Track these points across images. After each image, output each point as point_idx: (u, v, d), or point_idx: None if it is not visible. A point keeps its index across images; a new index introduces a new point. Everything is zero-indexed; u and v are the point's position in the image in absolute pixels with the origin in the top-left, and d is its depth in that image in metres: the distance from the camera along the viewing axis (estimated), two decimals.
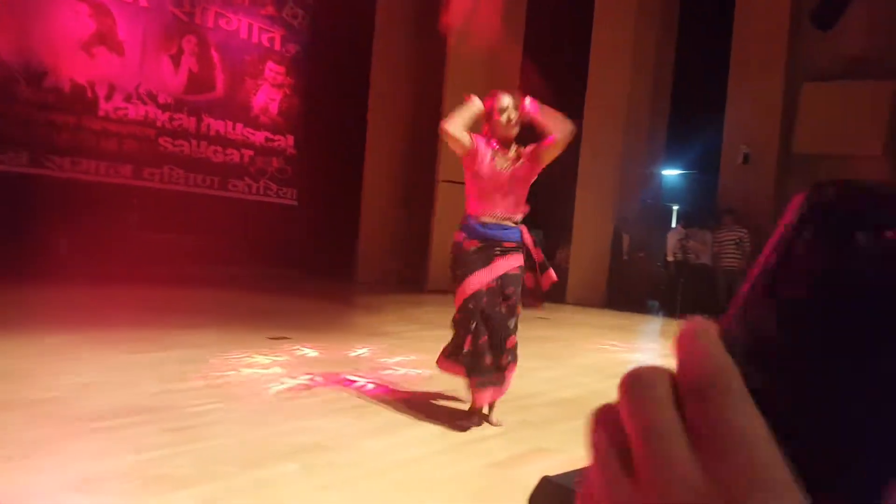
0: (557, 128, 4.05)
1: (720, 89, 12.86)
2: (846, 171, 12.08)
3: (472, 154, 4.09)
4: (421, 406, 4.42)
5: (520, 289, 4.16)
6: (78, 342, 5.50)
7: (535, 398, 4.93)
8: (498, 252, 4.08)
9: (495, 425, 4.21)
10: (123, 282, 9.66)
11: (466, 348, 4.04)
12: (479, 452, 3.65)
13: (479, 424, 4.16)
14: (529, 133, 4.22)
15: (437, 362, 4.26)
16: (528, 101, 4.08)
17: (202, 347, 5.73)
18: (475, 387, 4.07)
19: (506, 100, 4.08)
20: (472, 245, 4.09)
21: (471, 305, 4.03)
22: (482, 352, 4.02)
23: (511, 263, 4.10)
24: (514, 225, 4.14)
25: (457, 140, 4.05)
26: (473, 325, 4.03)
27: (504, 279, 4.08)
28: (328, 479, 3.06)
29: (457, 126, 4.05)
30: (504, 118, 4.05)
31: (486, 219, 4.09)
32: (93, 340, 5.61)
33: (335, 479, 3.07)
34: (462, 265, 4.10)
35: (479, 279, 4.04)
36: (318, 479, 3.04)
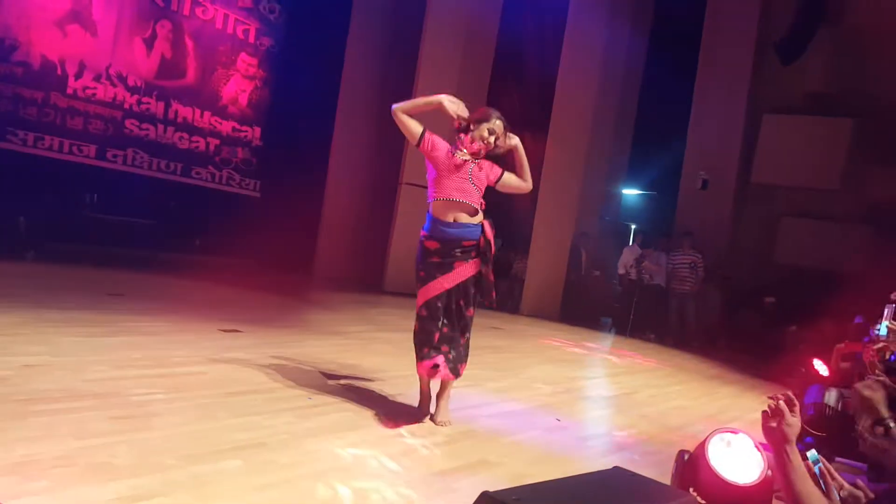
0: (524, 176, 4.36)
1: (684, 114, 13.12)
2: (802, 202, 12.41)
3: (427, 146, 4.27)
4: (367, 409, 4.45)
5: (472, 290, 4.35)
6: (29, 321, 5.45)
7: (482, 408, 4.99)
8: (458, 254, 4.25)
9: (439, 424, 4.33)
10: (79, 262, 9.57)
11: (436, 339, 4.27)
12: (421, 461, 3.70)
13: (421, 418, 4.37)
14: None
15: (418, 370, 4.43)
16: (516, 141, 4.30)
17: (153, 335, 5.72)
18: (421, 359, 4.32)
19: (497, 122, 4.24)
20: (433, 245, 4.26)
21: (439, 304, 4.24)
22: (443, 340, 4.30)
23: (468, 269, 4.29)
24: (473, 222, 4.28)
25: (402, 122, 4.22)
26: (440, 322, 4.26)
27: (462, 284, 4.28)
28: (269, 478, 3.09)
29: (403, 107, 4.21)
30: (489, 137, 4.22)
31: (447, 216, 4.24)
32: (44, 321, 5.57)
33: (276, 479, 3.10)
34: (425, 266, 4.29)
35: (441, 283, 4.22)
36: (258, 478, 3.07)
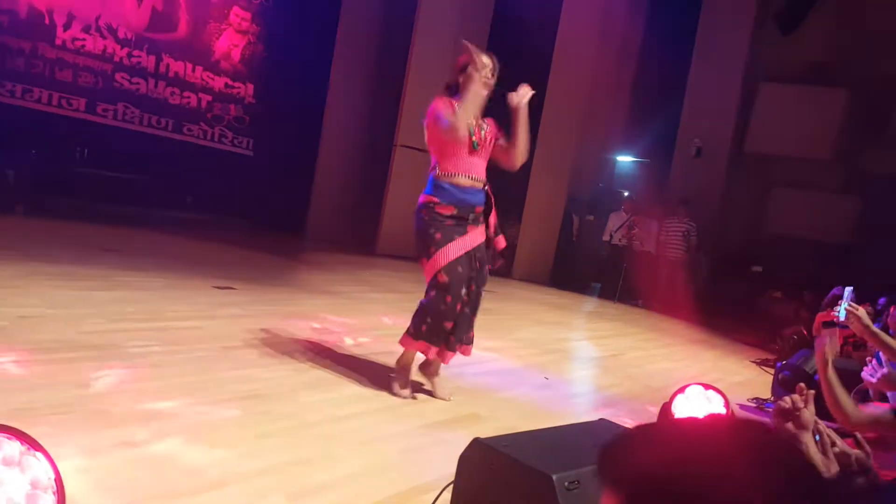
0: (523, 141, 4.07)
1: (681, 81, 13.06)
2: (794, 173, 12.44)
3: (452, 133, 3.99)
4: (359, 366, 4.51)
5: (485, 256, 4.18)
6: (22, 274, 5.46)
7: (473, 367, 5.03)
8: (471, 219, 4.06)
9: (449, 398, 4.17)
10: (69, 217, 9.54)
11: (459, 310, 3.99)
12: (412, 414, 3.77)
13: (413, 396, 4.13)
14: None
15: (401, 341, 4.12)
16: (523, 98, 4.03)
17: (147, 290, 5.75)
18: (445, 349, 4.11)
19: (486, 59, 4.00)
20: (448, 210, 4.00)
21: (459, 269, 3.95)
22: (463, 319, 4.06)
23: (481, 234, 4.12)
24: (482, 187, 4.11)
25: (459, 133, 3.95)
26: (463, 290, 3.98)
27: (478, 249, 4.08)
28: (266, 428, 3.15)
29: (462, 125, 3.94)
30: (482, 74, 3.95)
31: (461, 180, 4.02)
32: (38, 273, 5.59)
33: (272, 428, 3.16)
34: (441, 229, 3.97)
35: (461, 245, 3.99)
36: (256, 427, 3.13)
